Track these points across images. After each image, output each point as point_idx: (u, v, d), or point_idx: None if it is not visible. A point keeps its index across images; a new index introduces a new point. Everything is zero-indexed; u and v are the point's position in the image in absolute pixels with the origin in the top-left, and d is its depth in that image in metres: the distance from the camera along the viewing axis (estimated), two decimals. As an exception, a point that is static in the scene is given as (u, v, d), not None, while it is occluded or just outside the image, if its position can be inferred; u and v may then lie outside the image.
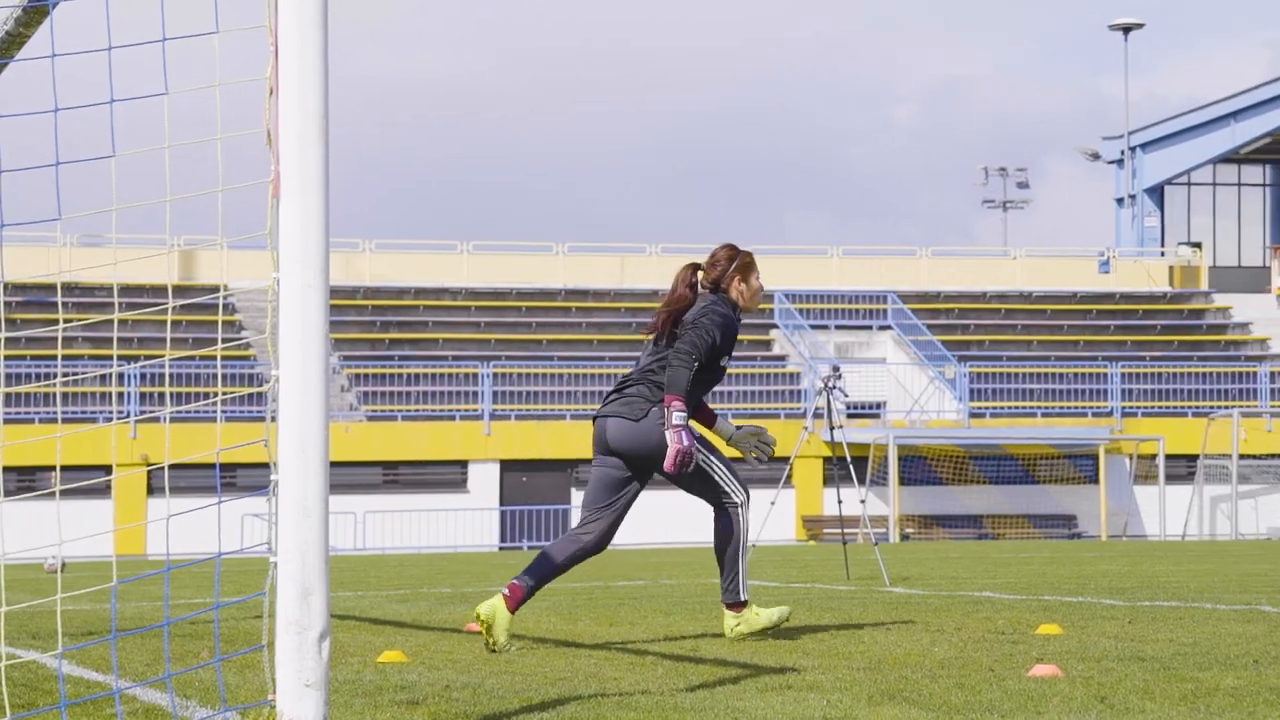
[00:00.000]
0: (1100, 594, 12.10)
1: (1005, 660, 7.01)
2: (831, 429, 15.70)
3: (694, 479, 8.23)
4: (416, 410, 38.95)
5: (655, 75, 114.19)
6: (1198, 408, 40.37)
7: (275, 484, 4.53)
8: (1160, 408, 40.81)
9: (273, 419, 4.57)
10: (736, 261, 8.36)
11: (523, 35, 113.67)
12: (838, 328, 44.13)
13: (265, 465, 4.57)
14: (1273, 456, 39.46)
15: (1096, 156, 52.58)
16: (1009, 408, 40.93)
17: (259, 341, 36.52)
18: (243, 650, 7.23)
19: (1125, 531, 39.06)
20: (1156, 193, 50.87)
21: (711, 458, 8.25)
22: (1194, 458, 39.25)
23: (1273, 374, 41.72)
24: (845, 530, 17.37)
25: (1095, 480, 38.79)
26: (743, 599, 8.29)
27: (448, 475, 38.24)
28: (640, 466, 8.20)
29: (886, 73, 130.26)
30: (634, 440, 8.11)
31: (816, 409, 33.25)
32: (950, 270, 47.44)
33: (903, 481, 38.02)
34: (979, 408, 40.51)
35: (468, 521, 38.03)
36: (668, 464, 7.88)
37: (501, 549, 37.14)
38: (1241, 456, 38.77)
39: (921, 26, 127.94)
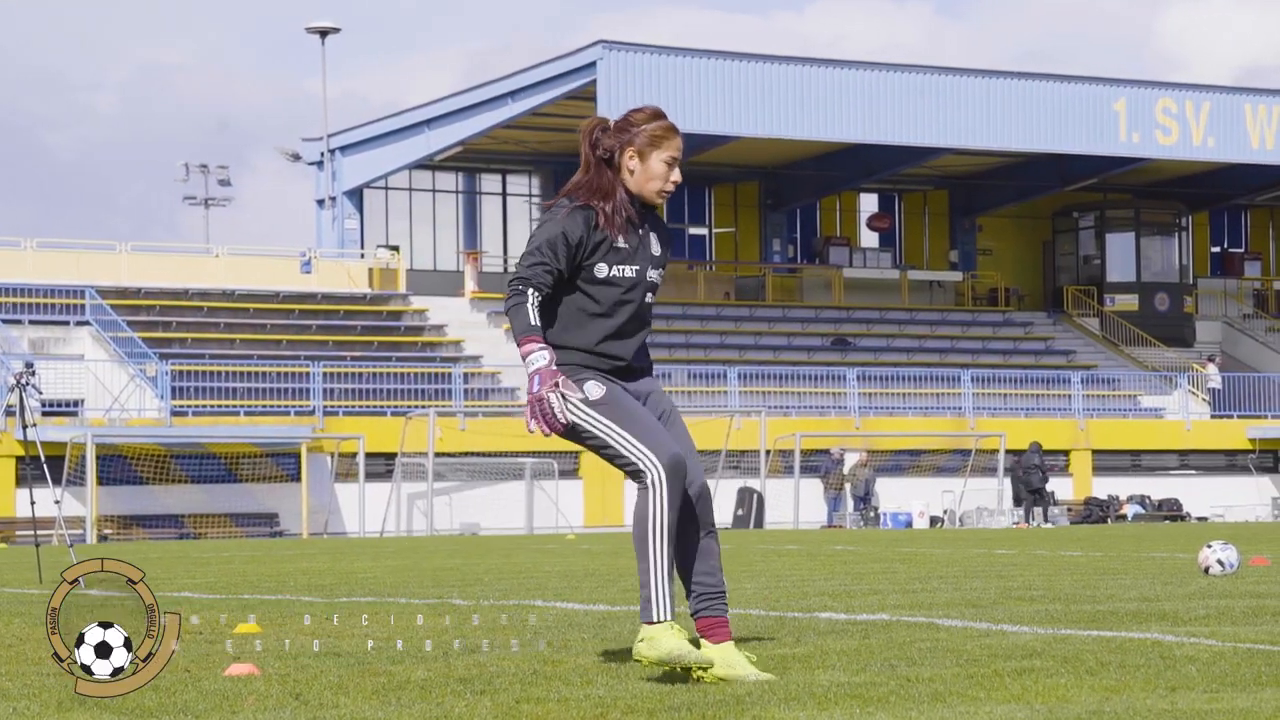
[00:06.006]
0: (299, 591, 12.24)
1: (202, 660, 6.97)
2: (25, 428, 15.18)
3: (591, 444, 6.14)
4: None
5: None
6: (396, 407, 41.37)
7: None
8: (361, 406, 41.60)
9: None
10: (639, 130, 6.22)
11: None
12: (32, 323, 42.62)
13: None
14: (466, 454, 40.92)
15: (297, 157, 52.96)
16: (212, 406, 40.70)
17: None
18: None
19: (326, 529, 39.60)
20: (356, 195, 51.74)
21: (603, 418, 6.09)
22: (393, 456, 40.21)
23: (466, 374, 43.34)
24: (39, 532, 16.85)
25: (297, 478, 39.10)
26: (654, 618, 6.07)
27: None
28: None
29: (86, 58, 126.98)
30: None
31: (9, 407, 31.91)
32: (152, 266, 46.68)
33: (101, 481, 37.12)
34: (181, 406, 40.08)
35: None
36: (528, 423, 6.02)
37: None
38: (437, 454, 40.02)
39: (125, 11, 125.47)
